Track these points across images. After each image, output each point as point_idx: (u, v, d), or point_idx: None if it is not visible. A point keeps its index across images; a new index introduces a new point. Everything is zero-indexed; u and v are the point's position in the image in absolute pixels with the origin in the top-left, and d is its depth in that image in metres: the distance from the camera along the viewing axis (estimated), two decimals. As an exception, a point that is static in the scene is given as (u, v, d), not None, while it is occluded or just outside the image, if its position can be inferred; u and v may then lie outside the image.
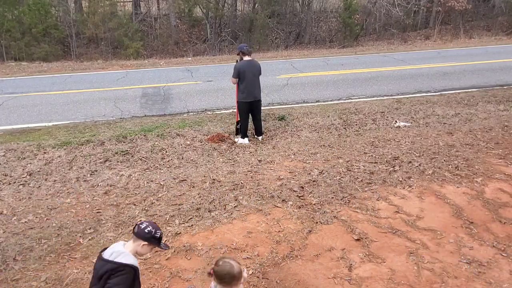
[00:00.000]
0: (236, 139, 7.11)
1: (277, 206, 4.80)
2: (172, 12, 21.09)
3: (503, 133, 7.05)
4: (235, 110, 7.53)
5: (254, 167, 5.95)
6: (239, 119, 7.18)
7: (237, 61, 6.96)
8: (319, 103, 9.36)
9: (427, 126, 7.64)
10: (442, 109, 8.60)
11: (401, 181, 5.38)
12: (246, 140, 7.06)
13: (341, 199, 4.94)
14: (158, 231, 2.60)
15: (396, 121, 7.90)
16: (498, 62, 12.99)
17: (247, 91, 6.77)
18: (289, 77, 11.53)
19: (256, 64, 6.86)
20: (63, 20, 19.24)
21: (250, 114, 7.04)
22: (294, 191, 5.17)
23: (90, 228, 4.44)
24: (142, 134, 7.31)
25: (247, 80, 6.71)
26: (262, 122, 7.80)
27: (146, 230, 2.54)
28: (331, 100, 9.59)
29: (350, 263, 3.82)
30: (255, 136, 7.26)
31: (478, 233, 4.27)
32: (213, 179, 5.57)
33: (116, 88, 10.77)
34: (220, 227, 4.41)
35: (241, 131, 7.07)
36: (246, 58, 6.81)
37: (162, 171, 5.95)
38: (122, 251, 2.52)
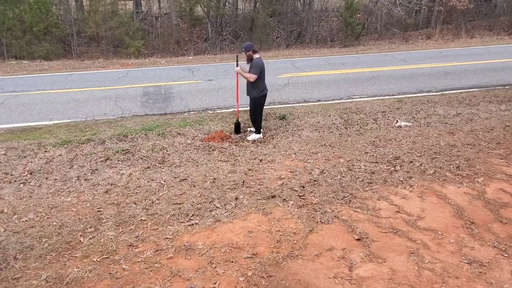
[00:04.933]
0: (249, 137, 7.20)
1: (278, 206, 4.80)
2: (173, 11, 21.09)
3: (504, 133, 7.04)
4: (236, 109, 7.55)
5: (255, 166, 5.94)
6: (239, 117, 7.29)
7: (251, 59, 6.88)
8: (320, 103, 9.36)
9: (428, 126, 7.63)
10: (444, 108, 8.59)
11: (402, 181, 5.37)
12: (261, 135, 7.27)
13: (342, 199, 4.94)
14: None
15: (397, 121, 7.88)
16: (499, 61, 12.97)
17: (263, 85, 7.04)
18: (290, 76, 11.53)
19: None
20: (64, 19, 19.24)
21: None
22: (295, 190, 5.16)
23: (90, 227, 4.44)
24: (143, 133, 7.31)
25: (263, 75, 7.00)
26: (263, 122, 7.85)
27: None
28: (332, 100, 9.58)
29: (351, 262, 3.82)
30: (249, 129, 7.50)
31: (479, 233, 4.26)
32: (213, 178, 5.56)
33: (117, 87, 10.77)
34: (220, 227, 4.41)
35: (258, 126, 7.21)
36: (256, 55, 6.95)
37: (162, 170, 5.95)
38: None
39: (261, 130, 7.30)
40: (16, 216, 4.72)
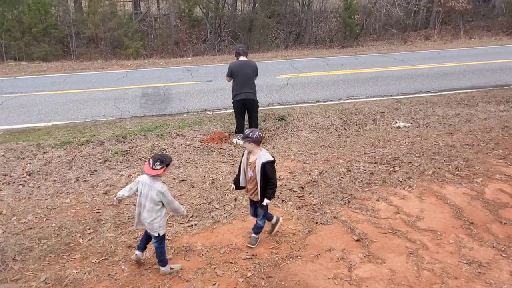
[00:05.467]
0: (234, 140, 7.13)
1: (277, 206, 4.80)
2: (172, 12, 21.08)
3: (503, 133, 7.05)
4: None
5: (254, 167, 5.94)
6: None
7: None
8: (319, 103, 9.36)
9: (427, 127, 7.64)
10: (442, 109, 8.60)
11: (401, 181, 5.38)
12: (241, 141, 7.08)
13: (341, 200, 4.94)
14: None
15: (396, 122, 7.89)
16: (498, 62, 12.99)
17: (239, 90, 6.83)
18: (289, 77, 11.53)
19: (251, 64, 6.93)
20: (63, 20, 19.23)
21: (246, 114, 7.07)
22: (294, 191, 5.16)
23: (89, 228, 4.43)
24: (142, 134, 7.30)
25: (239, 79, 6.81)
26: (263, 123, 7.81)
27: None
28: (331, 100, 9.59)
29: (350, 263, 3.82)
30: None
31: (478, 234, 4.26)
32: (213, 179, 5.56)
33: (116, 88, 10.77)
34: (220, 227, 4.41)
35: (237, 130, 7.13)
36: (242, 58, 6.90)
37: (162, 171, 5.94)
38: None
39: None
40: (15, 217, 4.71)
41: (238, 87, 6.82)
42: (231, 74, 6.84)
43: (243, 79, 6.80)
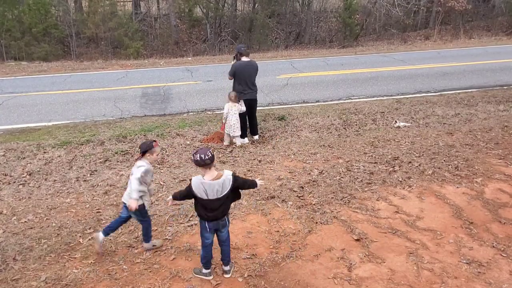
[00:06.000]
0: (235, 140, 7.13)
1: (277, 206, 4.80)
2: (172, 12, 21.08)
3: (503, 133, 7.06)
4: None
5: (254, 167, 5.95)
6: None
7: (234, 58, 7.07)
8: (319, 103, 9.37)
9: (427, 126, 7.65)
10: (442, 109, 8.61)
11: (401, 181, 5.38)
12: (245, 140, 7.09)
13: (341, 199, 4.94)
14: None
15: (396, 121, 7.90)
16: (498, 62, 13.00)
17: (244, 90, 6.84)
18: (289, 77, 11.54)
19: (253, 65, 6.94)
20: (63, 20, 19.24)
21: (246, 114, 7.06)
22: (294, 191, 5.17)
23: (90, 228, 4.44)
24: (142, 134, 7.31)
25: (243, 80, 6.81)
26: (263, 122, 7.81)
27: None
28: (331, 100, 9.59)
29: (350, 263, 3.82)
30: (252, 136, 7.28)
31: (478, 234, 4.27)
32: (213, 179, 5.55)
33: (116, 88, 10.77)
34: (220, 227, 4.40)
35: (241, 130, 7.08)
36: (244, 58, 6.88)
37: (162, 171, 5.95)
38: None
39: (246, 137, 7.12)
40: (15, 217, 4.71)
41: (242, 87, 6.84)
42: (234, 74, 6.84)
43: (246, 80, 6.84)
